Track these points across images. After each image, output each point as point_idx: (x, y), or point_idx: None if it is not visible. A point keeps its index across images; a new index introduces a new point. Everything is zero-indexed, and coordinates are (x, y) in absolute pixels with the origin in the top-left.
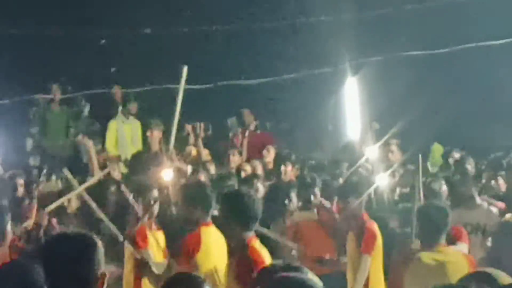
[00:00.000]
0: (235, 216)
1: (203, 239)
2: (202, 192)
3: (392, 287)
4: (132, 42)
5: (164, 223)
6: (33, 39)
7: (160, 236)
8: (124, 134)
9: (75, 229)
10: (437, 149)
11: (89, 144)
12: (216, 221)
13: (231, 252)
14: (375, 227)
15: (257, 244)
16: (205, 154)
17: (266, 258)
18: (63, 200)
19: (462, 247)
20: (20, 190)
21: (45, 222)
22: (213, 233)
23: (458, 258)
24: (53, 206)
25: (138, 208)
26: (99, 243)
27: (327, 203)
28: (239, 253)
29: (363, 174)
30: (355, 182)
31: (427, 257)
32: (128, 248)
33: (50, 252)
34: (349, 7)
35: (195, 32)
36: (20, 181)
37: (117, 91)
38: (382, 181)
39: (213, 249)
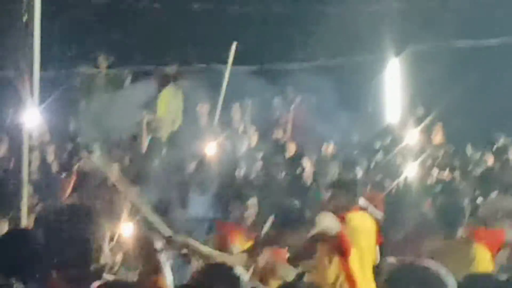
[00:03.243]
0: None
1: None
2: None
3: None
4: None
5: None
6: (80, 9)
7: None
8: (175, 105)
9: None
10: None
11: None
12: None
13: None
14: None
15: None
16: (252, 130)
17: None
18: None
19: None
20: (50, 158)
21: None
22: None
23: None
24: None
25: None
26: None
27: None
28: None
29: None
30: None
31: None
32: None
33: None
34: None
35: (243, 13)
36: (50, 149)
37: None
38: (411, 171)
39: None
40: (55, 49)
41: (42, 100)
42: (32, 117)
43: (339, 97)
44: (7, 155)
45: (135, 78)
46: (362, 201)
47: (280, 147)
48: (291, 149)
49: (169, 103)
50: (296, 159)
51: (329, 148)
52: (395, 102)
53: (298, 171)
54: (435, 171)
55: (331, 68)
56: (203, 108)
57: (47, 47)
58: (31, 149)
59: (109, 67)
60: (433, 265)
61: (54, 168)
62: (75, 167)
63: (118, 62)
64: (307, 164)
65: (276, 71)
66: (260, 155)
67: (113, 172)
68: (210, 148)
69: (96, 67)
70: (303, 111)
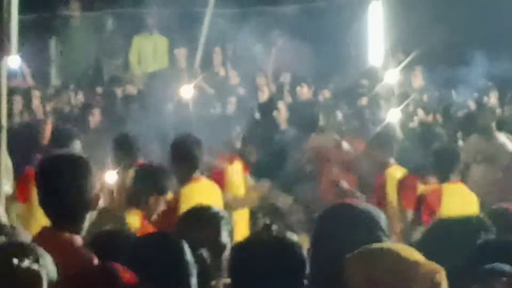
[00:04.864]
0: None
1: None
2: None
3: None
4: None
5: None
6: None
7: None
8: (147, 50)
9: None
10: None
11: None
12: None
13: None
14: None
15: None
16: (234, 75)
17: None
18: None
19: None
20: (35, 103)
21: None
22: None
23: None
24: None
25: None
26: (92, 165)
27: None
28: None
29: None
30: None
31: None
32: None
33: (42, 172)
34: None
35: None
36: (36, 93)
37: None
38: (393, 116)
39: None
40: None
41: (22, 44)
42: (12, 61)
43: (322, 40)
44: None
45: (117, 22)
46: (345, 145)
47: (256, 91)
48: (266, 92)
49: (142, 50)
50: (271, 102)
51: (303, 90)
52: (377, 45)
53: (274, 114)
54: (419, 114)
55: (313, 10)
56: (180, 52)
57: None
58: (12, 93)
59: (86, 10)
60: (362, 204)
61: (38, 112)
62: (51, 110)
63: (99, 5)
64: (282, 107)
65: (258, 14)
66: (235, 99)
67: (95, 116)
68: (188, 91)
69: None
70: (285, 54)
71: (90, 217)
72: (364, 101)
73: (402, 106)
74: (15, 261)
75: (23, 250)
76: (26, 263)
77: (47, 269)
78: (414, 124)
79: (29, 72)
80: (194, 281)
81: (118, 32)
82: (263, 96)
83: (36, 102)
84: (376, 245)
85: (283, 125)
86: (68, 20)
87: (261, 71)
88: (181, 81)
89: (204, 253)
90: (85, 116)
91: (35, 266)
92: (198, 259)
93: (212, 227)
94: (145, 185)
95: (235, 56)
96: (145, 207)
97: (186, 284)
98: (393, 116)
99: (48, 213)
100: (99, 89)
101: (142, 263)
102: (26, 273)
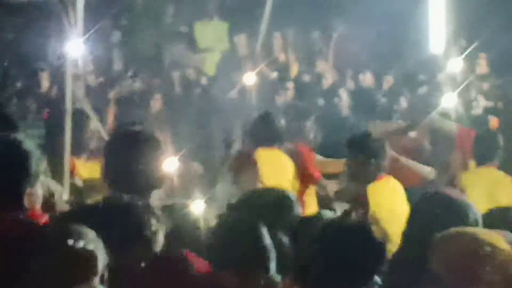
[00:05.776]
0: None
1: None
2: None
3: None
4: None
5: None
6: None
7: None
8: (208, 36)
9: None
10: None
11: None
12: None
13: None
14: None
15: None
16: (293, 59)
17: None
18: None
19: None
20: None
21: None
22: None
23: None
24: None
25: None
26: (161, 143)
27: None
28: None
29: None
30: None
31: None
32: None
33: (111, 146)
34: None
35: None
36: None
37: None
38: (449, 101)
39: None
40: None
41: (85, 28)
42: (75, 47)
43: (382, 25)
44: (50, 85)
45: (178, 7)
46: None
47: (317, 77)
48: (329, 79)
49: (202, 36)
50: (333, 89)
51: (366, 77)
52: (439, 30)
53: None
54: (480, 101)
55: None
56: (240, 38)
57: None
58: (74, 79)
59: None
60: (455, 194)
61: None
62: (113, 94)
63: None
64: (344, 95)
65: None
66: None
67: (156, 101)
68: (250, 77)
69: None
70: (346, 41)
71: (157, 195)
72: (425, 88)
73: (458, 91)
74: (70, 242)
75: (78, 231)
76: (80, 243)
77: (102, 250)
78: (477, 111)
79: (91, 57)
80: (273, 266)
81: (179, 17)
82: (327, 82)
83: (97, 88)
84: (459, 229)
85: (345, 111)
86: (130, 5)
87: (322, 57)
88: (242, 67)
89: (283, 238)
90: (146, 101)
91: (90, 247)
92: (277, 244)
93: (285, 210)
94: None
95: (295, 41)
96: None
97: (264, 269)
98: (449, 100)
99: (114, 188)
100: (159, 74)
101: (220, 247)
102: (81, 253)
